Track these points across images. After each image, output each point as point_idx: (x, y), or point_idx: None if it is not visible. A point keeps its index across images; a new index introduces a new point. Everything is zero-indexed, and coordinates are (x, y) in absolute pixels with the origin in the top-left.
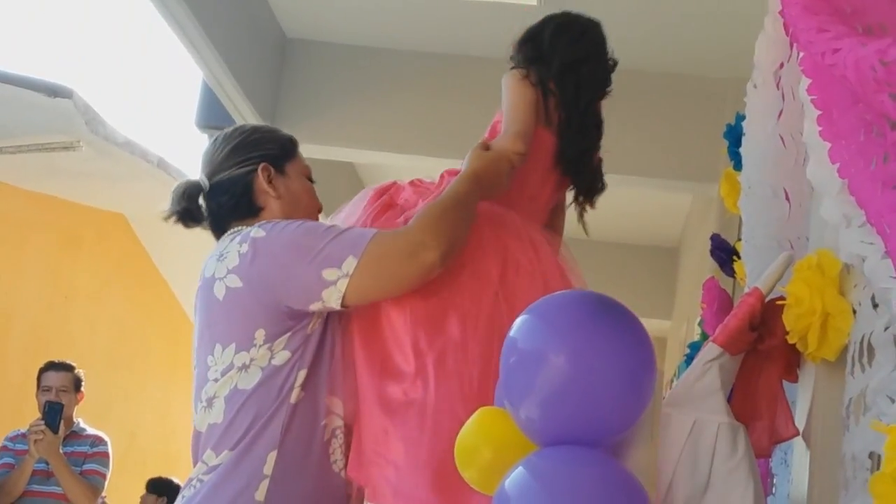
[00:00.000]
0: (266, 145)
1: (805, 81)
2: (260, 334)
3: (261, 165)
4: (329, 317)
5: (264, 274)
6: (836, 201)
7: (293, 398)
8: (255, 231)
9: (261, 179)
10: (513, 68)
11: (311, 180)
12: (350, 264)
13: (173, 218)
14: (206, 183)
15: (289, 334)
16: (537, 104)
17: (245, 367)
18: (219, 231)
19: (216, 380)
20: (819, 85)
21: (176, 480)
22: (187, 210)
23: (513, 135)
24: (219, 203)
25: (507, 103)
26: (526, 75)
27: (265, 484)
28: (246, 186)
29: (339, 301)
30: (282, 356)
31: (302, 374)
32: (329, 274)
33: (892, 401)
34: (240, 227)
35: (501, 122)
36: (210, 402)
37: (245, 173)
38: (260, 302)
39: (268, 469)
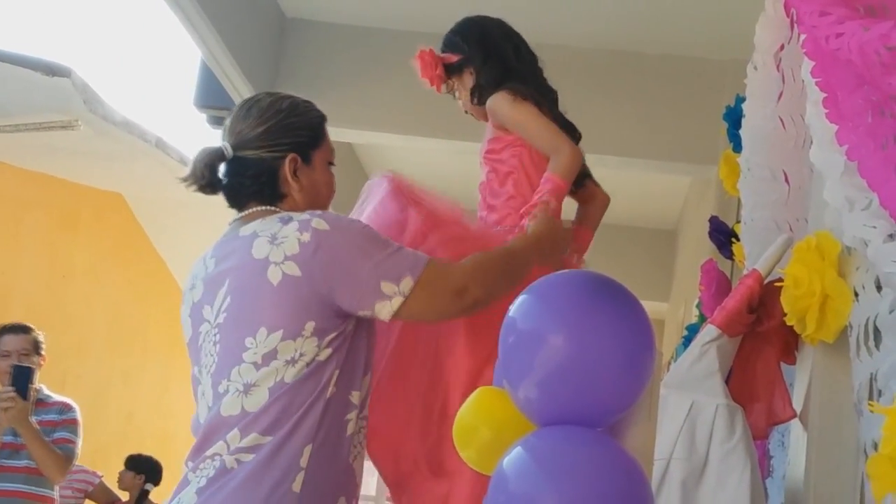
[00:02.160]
0: (298, 131)
1: (808, 63)
2: (310, 326)
3: (289, 157)
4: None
5: (326, 269)
6: (839, 184)
7: (328, 393)
8: (317, 222)
9: (287, 169)
10: (502, 90)
11: (332, 163)
12: (407, 284)
13: (191, 183)
14: (229, 152)
15: (335, 333)
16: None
17: (293, 360)
18: (235, 205)
19: (256, 364)
20: (822, 67)
21: (156, 458)
22: (207, 179)
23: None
24: (241, 181)
25: (532, 129)
26: (521, 96)
27: (301, 476)
28: (272, 173)
29: (389, 316)
30: (325, 353)
31: (337, 371)
32: (386, 287)
33: None
34: (278, 211)
35: (518, 142)
36: (249, 388)
37: (272, 159)
38: (317, 294)
39: (304, 461)
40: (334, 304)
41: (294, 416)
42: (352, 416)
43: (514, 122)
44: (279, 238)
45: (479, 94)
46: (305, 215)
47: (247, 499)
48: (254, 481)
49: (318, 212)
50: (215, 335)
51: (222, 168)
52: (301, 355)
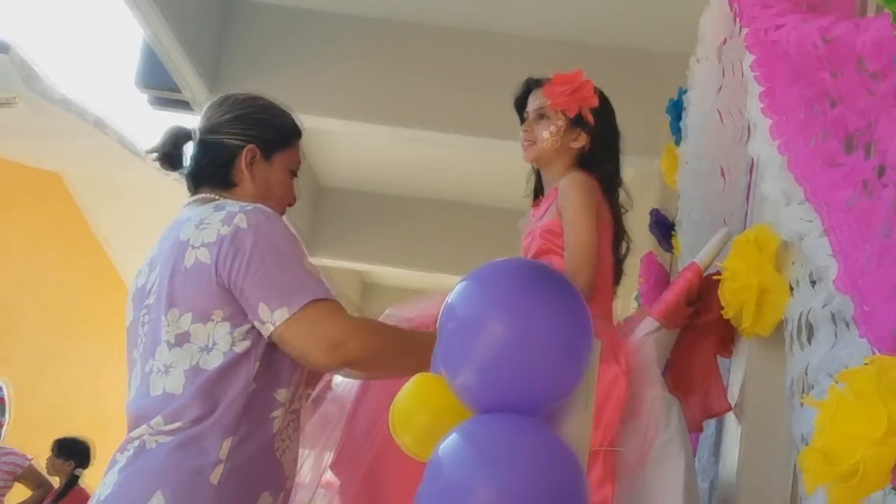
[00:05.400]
0: (265, 128)
1: (749, 57)
2: (218, 313)
3: (248, 146)
4: None
5: (230, 264)
6: (777, 178)
7: (250, 388)
8: (240, 217)
9: (243, 158)
10: (592, 178)
11: (294, 176)
12: (281, 315)
13: (155, 156)
14: (196, 135)
15: (251, 325)
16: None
17: (208, 348)
18: (193, 185)
19: (169, 343)
20: (762, 61)
21: (86, 441)
22: (170, 154)
23: None
24: (199, 164)
25: (573, 235)
26: (597, 203)
27: (220, 468)
28: (228, 159)
29: (267, 337)
30: (243, 345)
31: (258, 365)
32: (263, 311)
33: (833, 378)
34: (221, 198)
35: None
36: (167, 369)
37: (233, 146)
38: (222, 285)
39: (223, 454)
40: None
41: (214, 407)
42: (278, 413)
43: (571, 210)
44: (204, 224)
45: (582, 164)
46: (237, 207)
47: (165, 478)
48: (172, 462)
49: (254, 206)
50: (145, 315)
51: (190, 150)
52: (215, 343)
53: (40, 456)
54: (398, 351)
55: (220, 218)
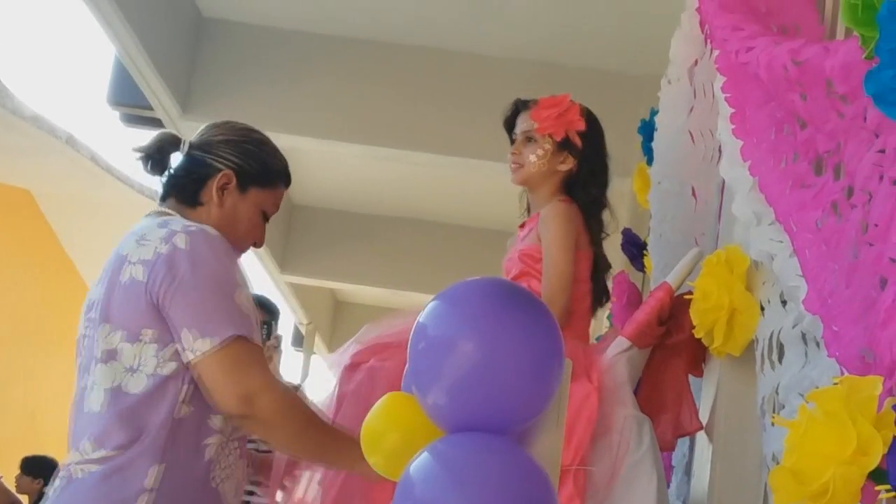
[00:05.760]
0: (250, 160)
1: (720, 79)
2: (147, 332)
3: (225, 171)
4: None
5: (161, 285)
6: (747, 199)
7: (179, 413)
8: (181, 238)
9: (216, 181)
10: (574, 207)
11: (266, 218)
12: (203, 346)
13: (139, 155)
14: (184, 148)
15: (178, 346)
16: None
17: (133, 370)
18: (162, 196)
19: (96, 359)
20: (733, 83)
21: (55, 459)
22: (152, 157)
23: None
24: (176, 173)
25: (550, 263)
26: (577, 233)
27: (147, 498)
28: (203, 177)
29: (185, 364)
30: (170, 367)
31: (187, 388)
32: (185, 338)
33: (803, 398)
34: (171, 214)
35: None
36: (91, 386)
37: (212, 167)
38: (153, 305)
39: (150, 482)
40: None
41: (139, 433)
42: (212, 440)
43: (549, 240)
44: (144, 240)
45: (569, 186)
46: (180, 226)
47: None
48: (98, 494)
49: (199, 228)
50: (88, 329)
51: (175, 160)
52: (140, 365)
53: (8, 474)
54: (304, 433)
55: (160, 235)
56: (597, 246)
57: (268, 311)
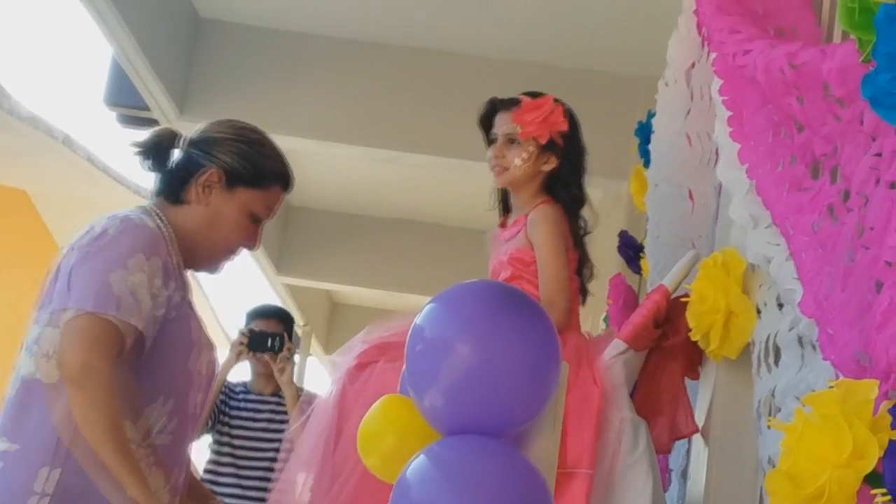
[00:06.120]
0: (242, 160)
1: (717, 82)
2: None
3: (212, 169)
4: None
5: (66, 264)
6: (744, 202)
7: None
8: (105, 223)
9: (202, 178)
10: (559, 207)
11: (256, 220)
12: (65, 316)
13: (136, 150)
14: (182, 144)
15: None
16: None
17: (48, 355)
18: (154, 190)
19: (22, 347)
20: (730, 86)
21: None
22: (151, 154)
23: None
24: (169, 171)
25: (546, 264)
26: (565, 231)
27: (41, 501)
28: (189, 175)
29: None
30: None
31: None
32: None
33: (799, 401)
34: (152, 209)
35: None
36: (13, 369)
37: (200, 164)
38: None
39: (39, 485)
40: None
41: (32, 425)
42: None
43: (541, 244)
44: (87, 227)
45: (550, 185)
46: (122, 214)
47: None
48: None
49: (128, 215)
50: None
51: (174, 156)
52: (55, 352)
53: None
54: (110, 443)
55: (100, 222)
56: (580, 244)
57: (282, 322)
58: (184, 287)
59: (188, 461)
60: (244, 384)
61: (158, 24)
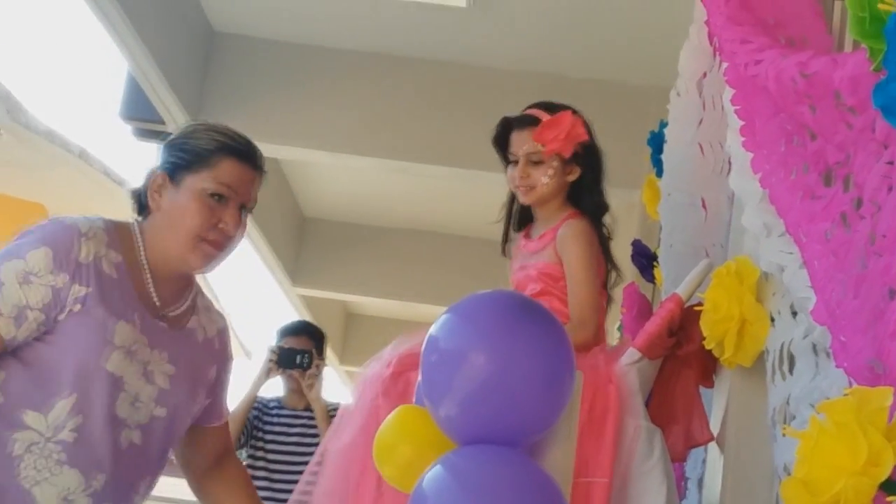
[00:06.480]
0: (179, 153)
1: (729, 91)
2: None
3: (158, 172)
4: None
5: None
6: (757, 210)
7: None
8: (39, 223)
9: (153, 186)
10: (591, 223)
11: (221, 199)
12: None
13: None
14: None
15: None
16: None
17: None
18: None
19: None
20: (742, 95)
21: None
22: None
23: None
24: (136, 192)
25: (577, 284)
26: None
27: None
28: (144, 189)
29: None
30: None
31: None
32: None
33: (814, 409)
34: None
35: None
36: None
37: (149, 175)
38: None
39: None
40: None
41: None
42: (19, 436)
43: (573, 263)
44: None
45: (574, 194)
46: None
47: None
48: None
49: (52, 221)
50: None
51: None
52: None
53: None
54: None
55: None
56: (606, 253)
57: (312, 338)
58: (104, 285)
59: (146, 473)
60: (278, 400)
61: (173, 39)
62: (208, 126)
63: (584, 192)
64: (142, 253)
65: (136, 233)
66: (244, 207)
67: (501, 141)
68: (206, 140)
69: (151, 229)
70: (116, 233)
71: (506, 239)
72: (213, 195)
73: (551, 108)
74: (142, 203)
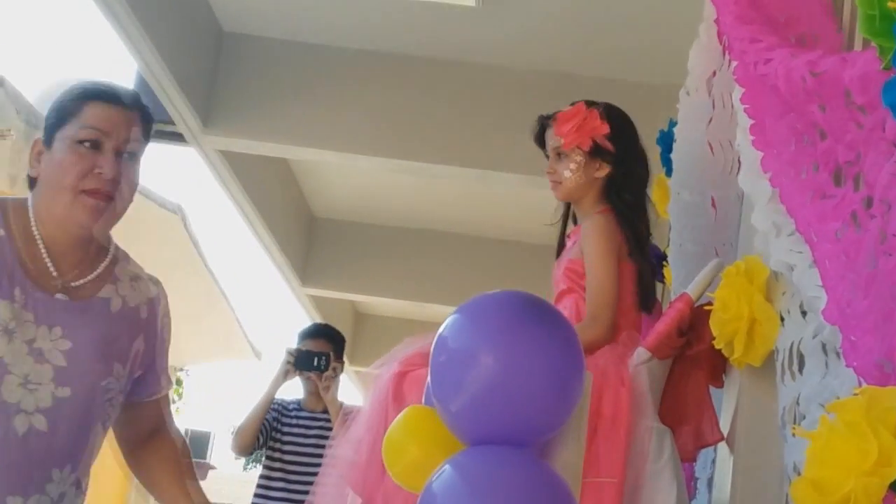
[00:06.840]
0: (49, 117)
1: (738, 90)
2: None
3: (35, 140)
4: None
5: None
6: (766, 210)
7: None
8: None
9: (32, 154)
10: (613, 217)
11: (95, 145)
12: None
13: None
14: None
15: None
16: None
17: None
18: None
19: None
20: (752, 94)
21: None
22: None
23: None
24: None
25: (594, 277)
26: (617, 244)
27: None
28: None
29: None
30: None
31: None
32: None
33: (823, 408)
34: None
35: None
36: None
37: (33, 145)
38: None
39: None
40: None
41: None
42: None
43: (590, 257)
44: None
45: (608, 192)
46: None
47: None
48: None
49: None
50: None
51: None
52: None
53: None
54: None
55: None
56: (638, 254)
57: (331, 341)
58: None
59: (62, 459)
60: (297, 402)
61: (182, 39)
62: (72, 85)
63: (614, 190)
64: (33, 225)
65: (29, 206)
66: (124, 152)
67: (540, 139)
68: (70, 93)
69: (38, 198)
70: (4, 209)
71: (561, 241)
72: (82, 142)
73: (590, 104)
74: (29, 180)
